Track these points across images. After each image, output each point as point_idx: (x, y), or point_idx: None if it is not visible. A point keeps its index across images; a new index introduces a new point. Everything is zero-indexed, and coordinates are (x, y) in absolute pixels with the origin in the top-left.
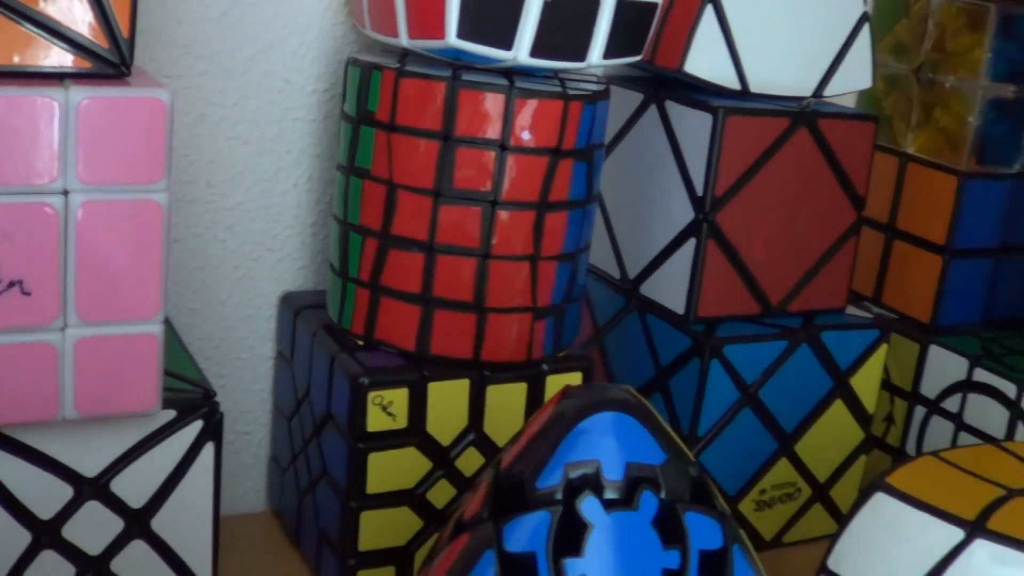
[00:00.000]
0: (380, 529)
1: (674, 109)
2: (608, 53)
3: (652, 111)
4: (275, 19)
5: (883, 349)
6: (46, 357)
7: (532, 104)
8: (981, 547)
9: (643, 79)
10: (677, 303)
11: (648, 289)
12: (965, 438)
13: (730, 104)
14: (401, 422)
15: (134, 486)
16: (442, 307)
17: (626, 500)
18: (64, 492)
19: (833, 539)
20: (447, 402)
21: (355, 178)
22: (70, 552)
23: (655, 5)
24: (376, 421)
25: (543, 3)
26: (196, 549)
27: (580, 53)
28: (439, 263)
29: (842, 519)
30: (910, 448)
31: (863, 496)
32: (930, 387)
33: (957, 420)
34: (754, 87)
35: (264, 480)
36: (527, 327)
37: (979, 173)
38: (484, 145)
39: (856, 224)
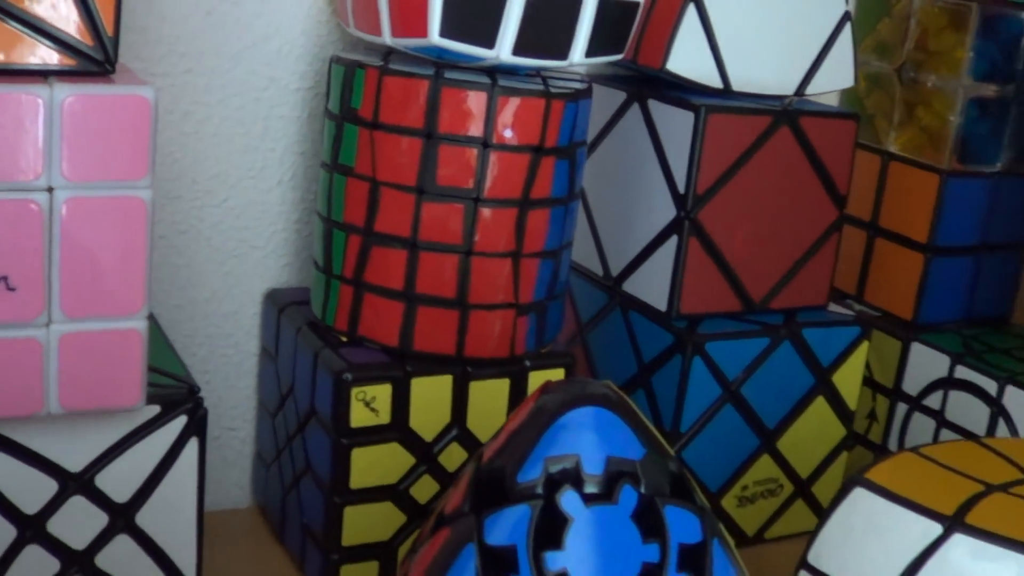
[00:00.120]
0: (363, 524)
1: (656, 107)
2: (590, 52)
3: (635, 109)
4: (259, 18)
5: (865, 346)
6: (31, 352)
7: (514, 102)
8: (959, 542)
9: (626, 78)
10: (659, 300)
11: (631, 286)
12: (947, 435)
13: (712, 103)
14: (384, 418)
15: (119, 481)
16: (425, 303)
17: (606, 494)
18: (49, 487)
19: (813, 534)
20: (430, 398)
21: (338, 175)
22: (55, 547)
23: (637, 4)
24: (359, 417)
25: (525, 2)
26: (180, 544)
27: (562, 52)
28: (422, 260)
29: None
30: (892, 445)
31: (843, 491)
32: (912, 384)
33: (939, 417)
34: (736, 86)
35: (249, 476)
36: (510, 323)
37: (961, 172)
38: (467, 143)
39: (838, 222)
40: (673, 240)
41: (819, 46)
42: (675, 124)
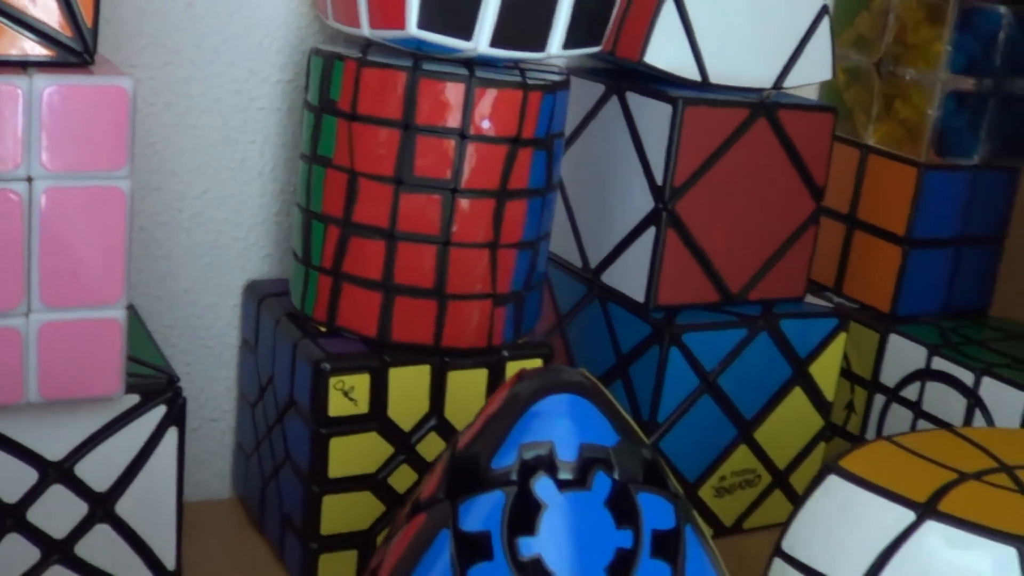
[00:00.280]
0: (342, 513)
1: (635, 100)
2: (568, 44)
3: (613, 102)
4: (239, 10)
5: (842, 338)
6: (10, 342)
7: (492, 93)
8: (932, 529)
9: (605, 70)
10: (637, 291)
11: (609, 278)
12: (924, 426)
13: (690, 95)
14: (363, 407)
15: (98, 470)
16: (403, 294)
17: (580, 480)
18: (29, 476)
19: (787, 522)
20: (408, 388)
21: (317, 166)
22: (35, 535)
23: None
24: (338, 406)
25: None
26: (160, 533)
27: (540, 43)
28: (400, 250)
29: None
30: (870, 436)
31: (817, 479)
32: (890, 376)
33: (916, 408)
34: (714, 78)
35: (229, 466)
36: (487, 314)
37: (938, 165)
38: (444, 134)
39: (815, 214)
40: (651, 232)
41: (797, 39)
42: (653, 116)
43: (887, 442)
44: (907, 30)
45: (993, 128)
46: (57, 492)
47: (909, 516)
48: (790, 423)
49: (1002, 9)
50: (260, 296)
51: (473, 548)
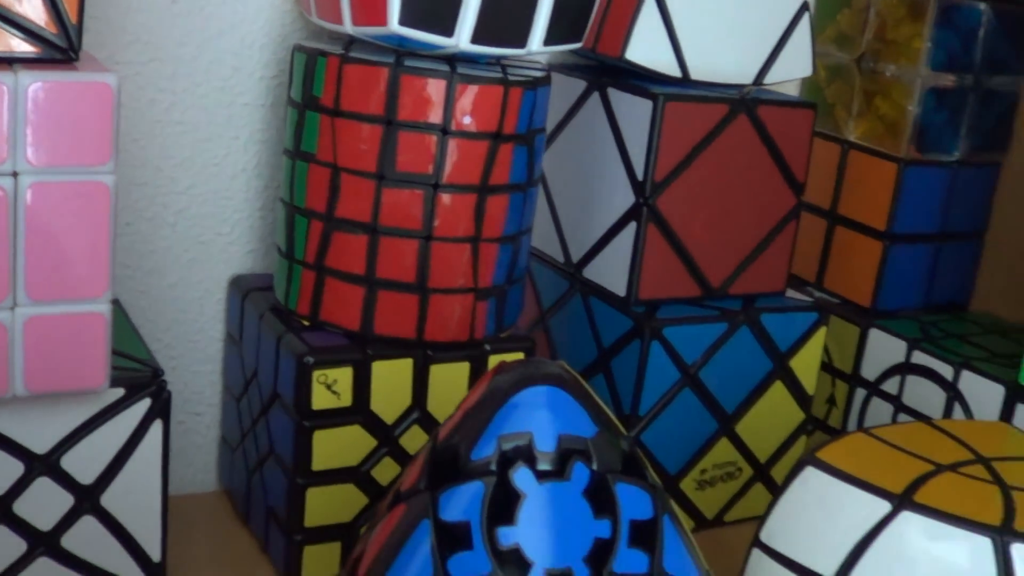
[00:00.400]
0: (326, 506)
1: (616, 96)
2: (548, 40)
3: (595, 98)
4: (224, 7)
5: (822, 332)
6: None
7: (473, 89)
8: (907, 519)
9: (586, 67)
10: (619, 286)
11: (591, 272)
12: (904, 419)
13: (670, 91)
14: (346, 400)
15: (84, 463)
16: (385, 288)
17: (558, 471)
18: (15, 468)
19: (765, 513)
20: (391, 381)
21: (301, 162)
22: (21, 528)
23: None
24: (321, 399)
25: None
26: (145, 525)
27: (521, 40)
28: (382, 245)
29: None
30: (851, 429)
31: (794, 471)
32: (870, 370)
33: (896, 402)
34: (695, 74)
35: (215, 460)
36: (469, 308)
37: (918, 160)
38: (426, 129)
39: (795, 209)
40: (632, 227)
41: (777, 36)
42: (634, 112)
43: (864, 434)
44: (887, 27)
45: (973, 124)
46: (43, 485)
47: (885, 507)
48: (771, 416)
49: (982, 6)
50: (244, 291)
51: (453, 538)
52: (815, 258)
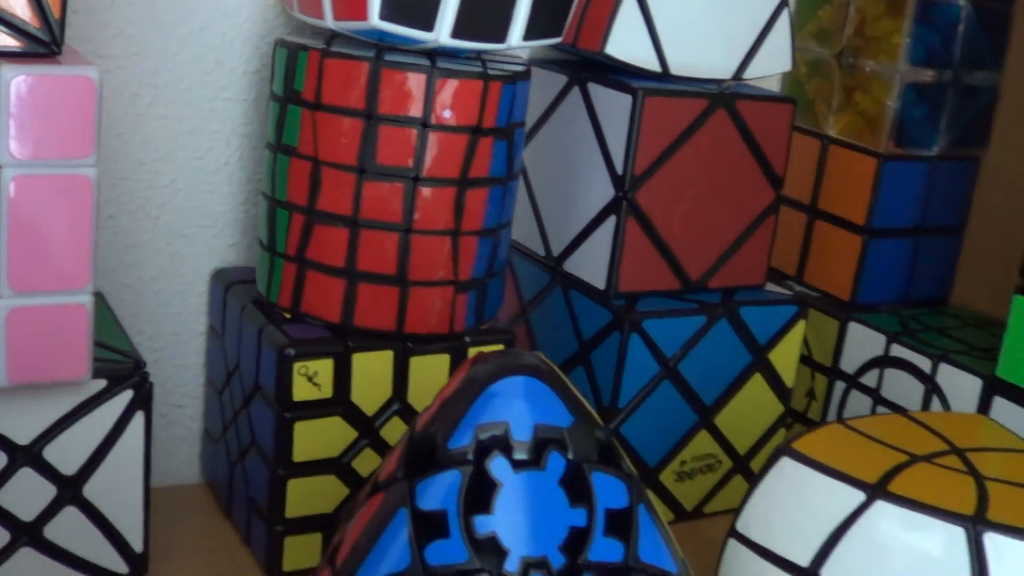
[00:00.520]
0: (307, 497)
1: (596, 90)
2: (528, 35)
3: (575, 92)
4: (206, 2)
5: (801, 325)
6: None
7: (452, 84)
8: (881, 509)
9: (567, 62)
10: (598, 279)
11: (571, 266)
12: (883, 411)
13: (650, 86)
14: (326, 392)
15: (66, 454)
16: (366, 280)
17: (534, 460)
18: None
19: (741, 503)
20: (371, 373)
21: (282, 155)
22: (4, 518)
23: None
24: (302, 391)
25: None
26: (127, 515)
27: (500, 35)
28: (363, 238)
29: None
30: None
31: (770, 461)
32: (849, 363)
33: (875, 394)
34: (674, 69)
35: (197, 452)
36: (449, 300)
37: (898, 155)
38: (406, 123)
39: (774, 203)
40: (611, 220)
41: (757, 31)
42: (613, 106)
43: (840, 425)
44: (867, 23)
45: (952, 119)
46: (26, 475)
47: (859, 497)
48: (750, 409)
49: (960, 2)
50: (227, 284)
51: (430, 526)
52: (795, 252)
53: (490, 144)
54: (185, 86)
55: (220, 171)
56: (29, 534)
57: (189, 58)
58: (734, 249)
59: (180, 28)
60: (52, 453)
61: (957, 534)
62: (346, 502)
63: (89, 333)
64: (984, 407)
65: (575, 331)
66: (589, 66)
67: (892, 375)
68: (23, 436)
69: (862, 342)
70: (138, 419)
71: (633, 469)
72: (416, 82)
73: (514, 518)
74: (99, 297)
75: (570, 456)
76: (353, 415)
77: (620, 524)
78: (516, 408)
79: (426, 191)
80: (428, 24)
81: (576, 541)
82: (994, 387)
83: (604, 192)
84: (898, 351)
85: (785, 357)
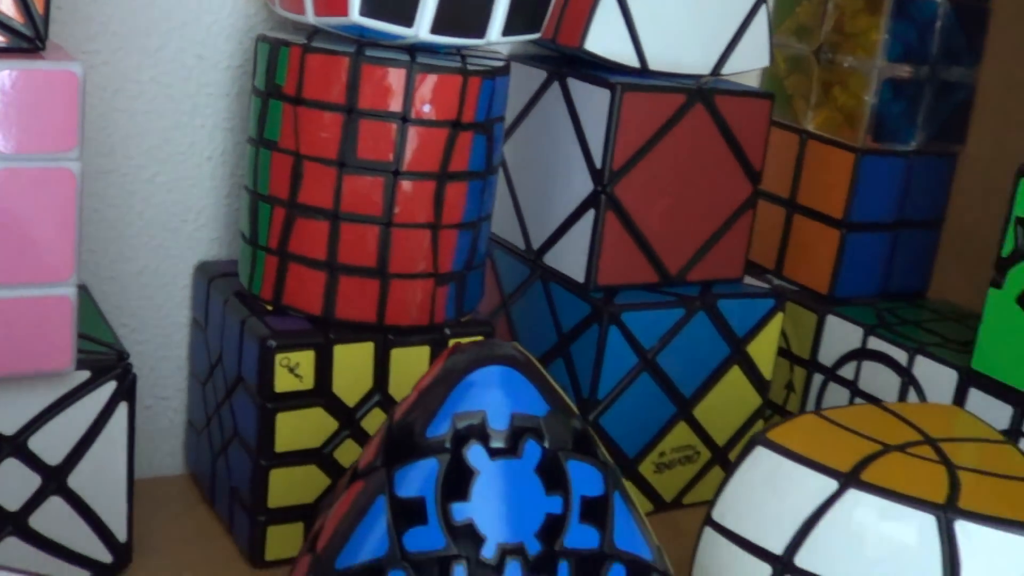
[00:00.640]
0: (289, 487)
1: (575, 85)
2: (507, 30)
3: (555, 87)
4: None
5: (779, 318)
6: None
7: (432, 79)
8: (854, 497)
9: (547, 57)
10: (577, 272)
11: (551, 259)
12: (860, 403)
13: (628, 81)
14: (308, 383)
15: (51, 444)
16: (347, 273)
17: (511, 448)
18: None
19: (717, 491)
20: (353, 364)
21: (264, 150)
22: None
23: None
24: (283, 382)
25: None
26: (112, 505)
27: (480, 30)
28: (344, 231)
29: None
30: None
31: (745, 450)
32: (827, 355)
33: (852, 387)
34: (653, 65)
35: (181, 444)
36: (429, 292)
37: (875, 150)
38: (386, 118)
39: (752, 197)
40: (590, 214)
41: (735, 27)
42: (592, 101)
43: (815, 416)
44: (845, 19)
45: (929, 115)
46: (11, 465)
47: (832, 485)
48: (729, 401)
49: None
50: (210, 277)
51: (408, 513)
52: (774, 246)
53: (469, 138)
54: (168, 81)
55: (203, 165)
56: (14, 524)
57: (172, 53)
58: (712, 243)
59: (163, 24)
60: (37, 443)
61: (929, 522)
62: (327, 492)
63: (73, 324)
64: (960, 399)
65: (555, 324)
66: (568, 61)
67: (869, 367)
68: (8, 427)
69: (840, 335)
70: (122, 410)
71: (608, 458)
72: (396, 77)
73: (491, 505)
74: (83, 290)
75: (546, 444)
76: (334, 406)
77: (595, 511)
78: (493, 397)
79: (406, 185)
80: (408, 20)
81: (552, 528)
82: (970, 379)
83: (583, 186)
84: (875, 344)
85: (763, 350)
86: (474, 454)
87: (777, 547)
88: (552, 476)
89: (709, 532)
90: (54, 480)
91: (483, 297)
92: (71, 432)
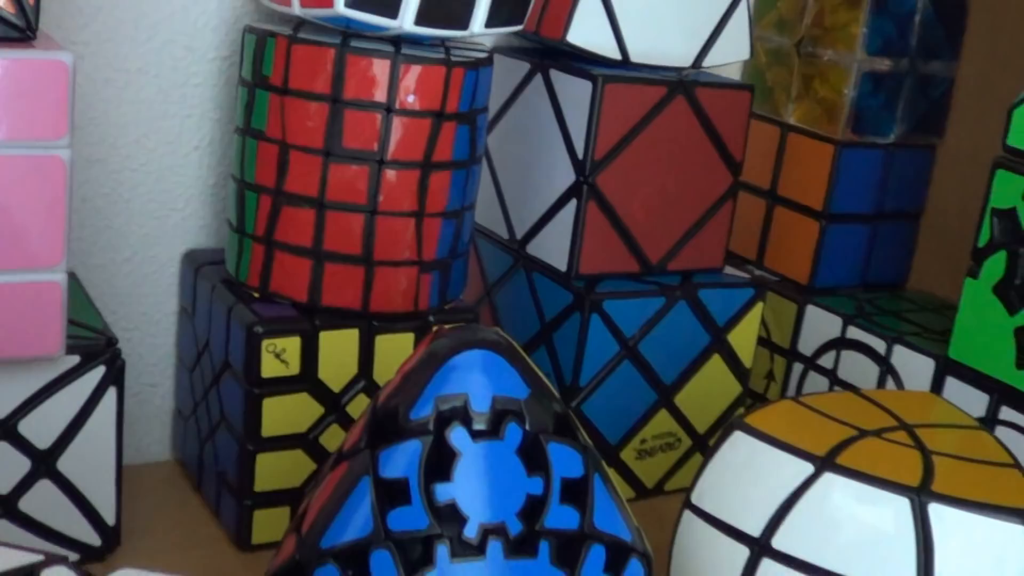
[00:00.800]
0: (275, 471)
1: (557, 77)
2: (490, 22)
3: (538, 79)
4: None
5: (759, 307)
6: None
7: (416, 70)
8: (829, 481)
9: (530, 49)
10: (560, 261)
11: (534, 248)
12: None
13: (610, 72)
14: (294, 369)
15: (40, 428)
16: (332, 260)
17: (492, 430)
18: None
19: (696, 475)
20: (338, 350)
21: (251, 139)
22: None
23: None
24: (270, 368)
25: None
26: (100, 488)
27: (463, 22)
28: (329, 219)
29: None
30: None
31: (723, 435)
32: (807, 345)
33: (832, 375)
34: (635, 57)
35: (169, 430)
36: (414, 280)
37: (855, 142)
38: (371, 108)
39: (732, 188)
40: (572, 204)
41: (716, 20)
42: (574, 93)
43: (793, 402)
44: (826, 13)
45: (908, 108)
46: (1, 449)
47: (808, 469)
48: (709, 389)
49: None
50: (197, 264)
51: (392, 493)
52: (755, 237)
53: (453, 128)
54: (156, 71)
55: (191, 154)
56: (4, 507)
57: (160, 44)
58: (693, 233)
59: (152, 15)
60: (27, 427)
61: (903, 505)
62: (313, 476)
63: (63, 309)
64: (937, 387)
65: (537, 312)
66: (551, 54)
67: (848, 356)
68: None
69: (819, 324)
70: (110, 394)
71: (588, 440)
72: (381, 68)
73: (473, 486)
74: (72, 278)
75: (527, 427)
76: (320, 391)
77: (576, 492)
78: (475, 380)
79: (391, 174)
80: (393, 12)
81: (533, 508)
82: (947, 368)
83: (565, 177)
84: (854, 333)
85: (743, 338)
86: (457, 436)
87: (754, 529)
88: (533, 458)
89: (688, 515)
90: (43, 464)
91: (467, 285)
92: (61, 416)
